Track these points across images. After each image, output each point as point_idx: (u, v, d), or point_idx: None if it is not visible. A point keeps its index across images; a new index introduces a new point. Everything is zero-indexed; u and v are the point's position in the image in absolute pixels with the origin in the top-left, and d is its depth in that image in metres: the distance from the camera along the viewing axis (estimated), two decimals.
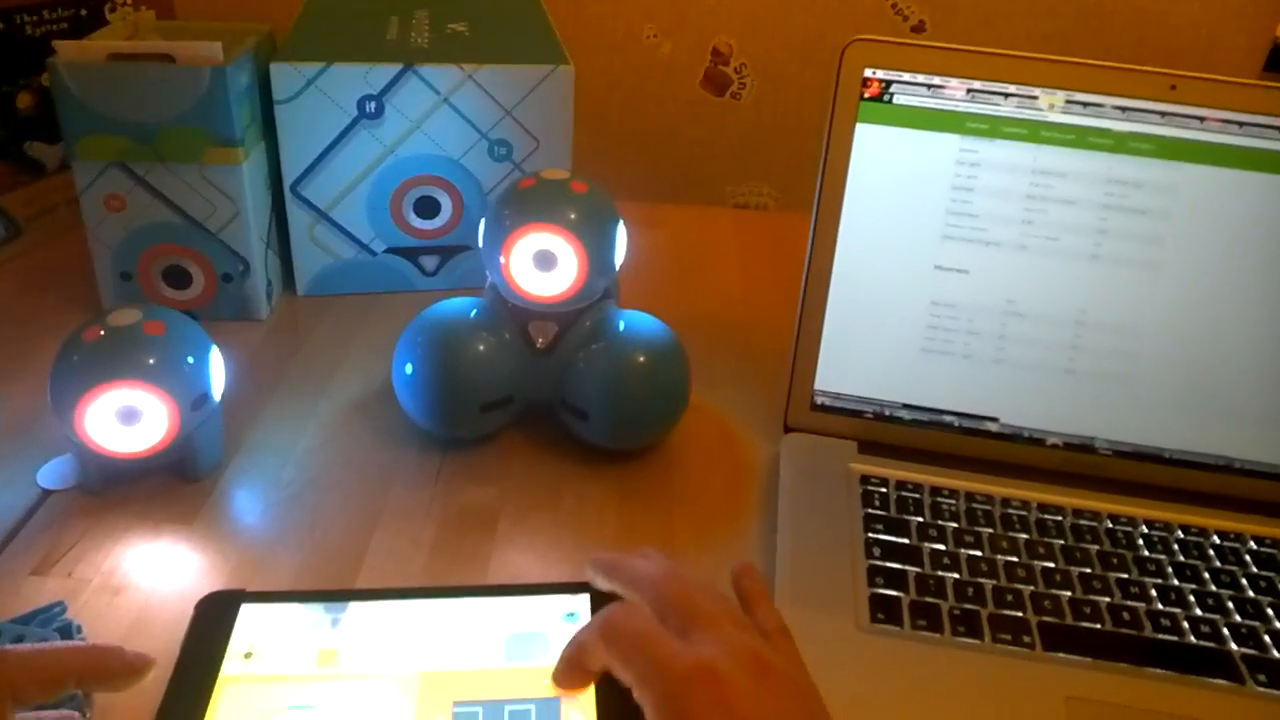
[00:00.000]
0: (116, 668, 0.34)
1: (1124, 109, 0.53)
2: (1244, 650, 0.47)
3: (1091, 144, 0.54)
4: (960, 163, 0.55)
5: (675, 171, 1.04)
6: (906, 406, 0.59)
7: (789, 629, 0.39)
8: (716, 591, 0.39)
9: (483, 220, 0.59)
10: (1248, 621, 0.49)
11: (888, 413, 0.59)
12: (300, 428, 0.61)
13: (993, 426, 0.58)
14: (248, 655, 0.44)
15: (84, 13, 0.79)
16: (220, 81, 0.62)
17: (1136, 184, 0.54)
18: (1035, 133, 0.54)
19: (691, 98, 1.00)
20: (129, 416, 0.51)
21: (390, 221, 0.73)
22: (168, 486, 0.55)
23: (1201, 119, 0.53)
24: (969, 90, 0.54)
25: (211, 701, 0.42)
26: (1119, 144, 0.54)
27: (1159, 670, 0.46)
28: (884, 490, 0.55)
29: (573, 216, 0.57)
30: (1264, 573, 0.52)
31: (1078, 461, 0.58)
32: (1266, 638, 0.48)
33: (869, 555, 0.51)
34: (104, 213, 0.66)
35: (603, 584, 0.42)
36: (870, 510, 0.54)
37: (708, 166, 1.04)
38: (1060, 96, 0.53)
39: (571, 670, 0.39)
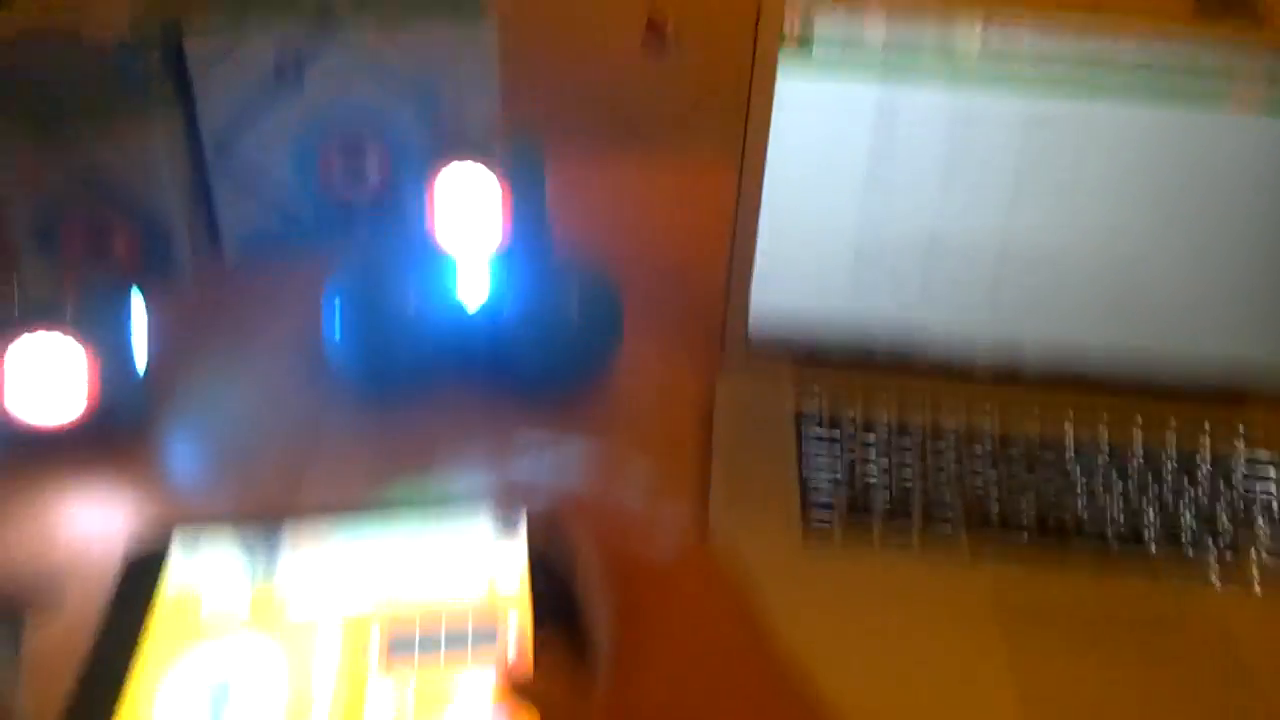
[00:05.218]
0: None
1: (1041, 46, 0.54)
2: (1162, 549, 0.49)
3: (1010, 82, 0.54)
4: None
5: (612, 125, 1.03)
6: (837, 341, 0.59)
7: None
8: None
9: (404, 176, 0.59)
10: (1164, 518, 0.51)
11: (820, 345, 0.60)
12: (230, 384, 0.60)
13: (923, 355, 0.59)
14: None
15: None
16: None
17: (1053, 121, 0.55)
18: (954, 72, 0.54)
19: (631, 51, 1.00)
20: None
21: (316, 183, 0.72)
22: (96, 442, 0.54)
23: (1119, 56, 0.53)
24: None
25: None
26: (1036, 81, 0.54)
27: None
28: (818, 413, 0.56)
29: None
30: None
31: (1007, 381, 0.59)
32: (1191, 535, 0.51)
33: (802, 472, 0.52)
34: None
35: None
36: (805, 430, 0.55)
37: (647, 124, 1.03)
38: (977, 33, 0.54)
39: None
